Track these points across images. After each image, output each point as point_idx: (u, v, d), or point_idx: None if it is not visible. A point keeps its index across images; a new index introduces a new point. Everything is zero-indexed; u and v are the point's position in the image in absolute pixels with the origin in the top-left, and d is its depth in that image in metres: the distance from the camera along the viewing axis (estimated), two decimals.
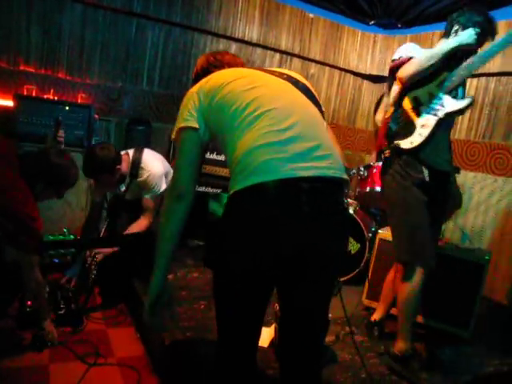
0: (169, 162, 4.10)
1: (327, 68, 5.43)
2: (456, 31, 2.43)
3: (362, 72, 5.64)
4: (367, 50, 5.60)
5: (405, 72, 2.37)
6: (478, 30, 2.34)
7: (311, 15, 5.09)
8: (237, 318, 1.43)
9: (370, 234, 3.69)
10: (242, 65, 1.81)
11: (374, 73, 5.63)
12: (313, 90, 1.66)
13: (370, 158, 4.99)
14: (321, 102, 1.66)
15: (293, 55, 5.10)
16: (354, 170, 4.02)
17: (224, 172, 4.08)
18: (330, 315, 1.60)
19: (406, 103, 2.46)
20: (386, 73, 5.50)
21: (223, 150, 1.51)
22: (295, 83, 1.60)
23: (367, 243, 3.66)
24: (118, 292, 3.19)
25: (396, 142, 2.43)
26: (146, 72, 4.33)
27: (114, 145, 3.07)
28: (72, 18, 3.93)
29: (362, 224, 3.72)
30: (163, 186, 3.20)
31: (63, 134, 3.42)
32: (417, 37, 5.21)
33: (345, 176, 1.44)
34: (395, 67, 2.45)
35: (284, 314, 1.53)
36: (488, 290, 4.14)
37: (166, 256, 1.55)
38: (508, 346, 3.01)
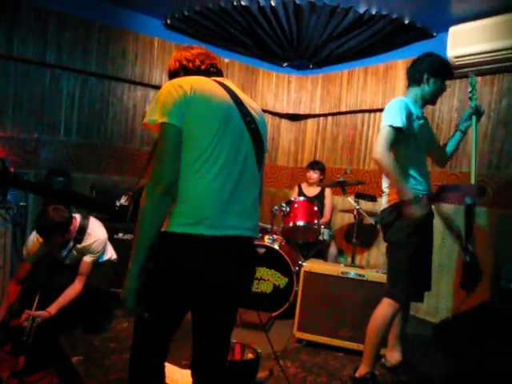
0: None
1: None
2: (427, 79, 2.70)
3: (279, 111, 5.89)
4: (283, 90, 5.87)
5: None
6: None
7: (226, 60, 5.27)
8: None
9: (297, 268, 3.79)
10: None
11: (291, 111, 5.90)
12: None
13: (291, 194, 5.16)
14: None
15: None
16: (276, 207, 4.15)
17: None
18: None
19: None
20: (301, 111, 5.83)
21: None
22: None
23: (294, 277, 3.76)
24: (42, 354, 3.05)
25: None
26: (63, 122, 4.27)
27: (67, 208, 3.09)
28: None
29: (288, 258, 3.82)
30: (105, 254, 3.39)
31: None
32: (327, 76, 5.58)
33: None
34: None
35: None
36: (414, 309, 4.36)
37: (144, 254, 1.53)
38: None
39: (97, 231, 3.26)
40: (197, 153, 1.55)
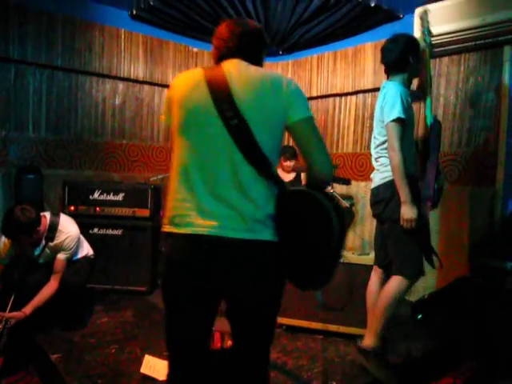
0: (63, 207, 4.02)
1: None
2: (412, 59, 2.72)
3: None
4: None
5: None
6: None
7: (195, 49, 5.23)
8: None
9: None
10: None
11: None
12: None
13: None
14: None
15: None
16: None
17: (123, 212, 4.05)
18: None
19: None
20: None
21: None
22: None
23: None
24: (20, 354, 3.02)
25: None
26: (30, 119, 4.19)
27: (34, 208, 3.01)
28: None
29: None
30: (80, 251, 3.36)
31: None
32: (297, 62, 5.57)
33: None
34: None
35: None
36: None
37: None
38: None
39: (68, 227, 3.19)
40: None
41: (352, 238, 4.93)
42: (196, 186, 1.52)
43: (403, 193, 2.54)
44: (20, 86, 4.11)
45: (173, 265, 1.57)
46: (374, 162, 2.84)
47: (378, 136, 2.76)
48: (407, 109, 2.61)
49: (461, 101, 4.01)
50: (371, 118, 4.78)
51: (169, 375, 1.67)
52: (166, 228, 1.58)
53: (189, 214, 1.52)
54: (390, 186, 2.65)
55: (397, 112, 2.54)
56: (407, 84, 2.79)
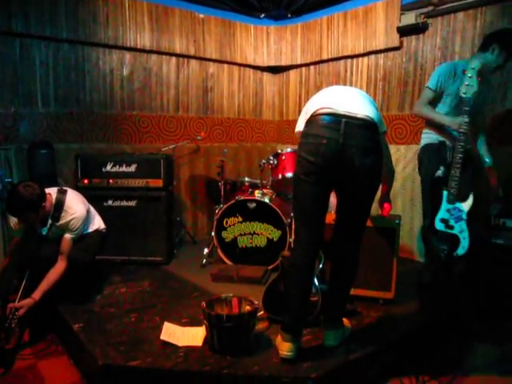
0: (77, 181, 4.03)
1: (226, 65, 5.49)
2: (493, 49, 3.10)
3: (260, 65, 5.76)
4: (262, 42, 5.72)
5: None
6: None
7: (201, 15, 5.12)
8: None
9: (289, 220, 3.80)
10: None
11: (272, 64, 5.77)
12: None
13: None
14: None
15: (189, 57, 5.10)
16: (264, 161, 4.12)
17: (136, 183, 4.05)
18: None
19: None
20: (282, 63, 5.72)
21: None
22: None
23: (287, 229, 3.78)
24: (44, 324, 3.09)
25: None
26: (39, 93, 4.16)
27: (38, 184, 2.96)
28: None
29: (279, 211, 3.83)
30: (90, 226, 3.34)
31: None
32: (307, 24, 5.43)
33: None
34: None
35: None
36: (408, 252, 4.43)
37: None
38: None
39: (74, 207, 3.11)
40: None
41: None
42: None
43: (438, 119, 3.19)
44: (26, 60, 4.06)
45: None
46: None
47: None
48: (449, 81, 3.17)
49: None
50: (383, 79, 4.71)
51: None
52: None
53: None
54: None
55: (428, 82, 3.28)
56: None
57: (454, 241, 2.84)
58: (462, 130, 2.81)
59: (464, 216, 2.84)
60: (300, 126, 2.35)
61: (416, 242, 4.39)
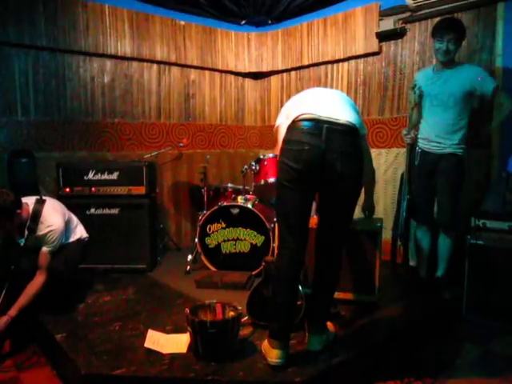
0: (59, 189, 3.99)
1: (207, 72, 5.50)
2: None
3: (242, 71, 5.78)
4: (243, 49, 5.74)
5: None
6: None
7: (182, 22, 5.12)
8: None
9: (272, 225, 3.81)
10: None
11: (253, 70, 5.80)
12: None
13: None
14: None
15: (170, 64, 5.10)
16: (246, 166, 4.13)
17: (119, 190, 4.04)
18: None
19: None
20: (263, 69, 5.74)
21: None
22: None
23: (271, 234, 3.79)
24: (26, 335, 3.06)
25: None
26: (19, 102, 4.11)
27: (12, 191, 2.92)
28: None
29: (262, 217, 3.84)
30: (72, 235, 3.29)
31: None
32: (287, 30, 5.48)
33: None
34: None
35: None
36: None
37: None
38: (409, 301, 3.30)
39: (50, 219, 3.03)
40: None
41: None
42: None
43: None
44: (5, 68, 4.03)
45: None
46: None
47: None
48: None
49: None
50: (364, 84, 4.77)
51: None
52: None
53: None
54: None
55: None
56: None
57: None
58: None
59: None
60: (279, 121, 2.50)
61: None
